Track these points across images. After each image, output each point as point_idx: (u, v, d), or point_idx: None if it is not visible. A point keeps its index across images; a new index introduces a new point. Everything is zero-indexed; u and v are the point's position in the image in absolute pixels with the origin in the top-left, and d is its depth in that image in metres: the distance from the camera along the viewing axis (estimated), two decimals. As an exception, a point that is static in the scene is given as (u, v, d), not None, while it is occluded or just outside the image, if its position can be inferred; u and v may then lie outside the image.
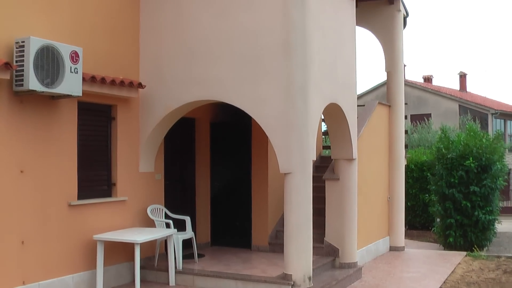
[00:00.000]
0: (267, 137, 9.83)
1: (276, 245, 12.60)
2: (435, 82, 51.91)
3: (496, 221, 17.36)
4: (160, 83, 10.69)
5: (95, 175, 10.22)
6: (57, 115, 9.21)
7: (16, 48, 8.33)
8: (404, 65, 15.81)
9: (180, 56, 10.52)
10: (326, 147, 16.71)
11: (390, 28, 15.07)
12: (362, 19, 14.51)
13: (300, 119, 9.48)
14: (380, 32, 15.20)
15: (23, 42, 8.28)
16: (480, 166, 16.51)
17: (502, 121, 46.14)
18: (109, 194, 10.38)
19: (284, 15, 9.59)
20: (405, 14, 15.49)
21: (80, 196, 9.64)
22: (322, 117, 13.14)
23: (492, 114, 44.29)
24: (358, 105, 12.39)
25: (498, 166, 16.84)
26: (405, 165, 15.62)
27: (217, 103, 11.00)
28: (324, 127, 15.23)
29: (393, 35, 15.03)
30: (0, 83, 8.25)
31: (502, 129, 44.65)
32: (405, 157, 15.64)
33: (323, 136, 16.42)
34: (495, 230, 17.42)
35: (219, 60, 10.14)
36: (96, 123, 10.27)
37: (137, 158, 10.80)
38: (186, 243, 11.23)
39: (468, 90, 52.67)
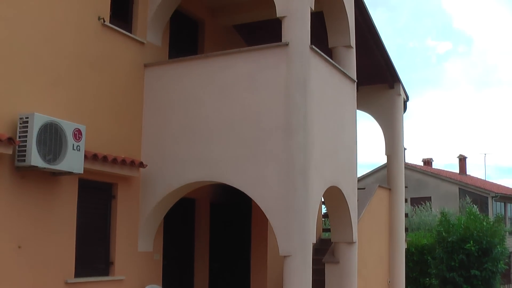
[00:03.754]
0: (267, 218, 9.78)
1: (274, 328, 12.39)
2: (435, 165, 52.03)
3: (498, 305, 17.14)
4: (161, 162, 10.71)
5: (93, 253, 10.11)
6: (57, 192, 9.19)
7: (20, 123, 8.41)
8: (404, 149, 15.91)
9: (182, 136, 10.57)
10: (326, 230, 16.65)
11: (390, 112, 15.26)
12: (362, 102, 14.69)
13: (300, 201, 9.45)
14: (380, 116, 15.39)
15: (27, 118, 8.37)
16: (481, 250, 16.41)
17: (502, 204, 46.00)
18: (106, 273, 10.24)
19: (286, 97, 9.70)
20: (405, 98, 15.71)
21: (77, 274, 9.51)
22: (322, 200, 13.13)
23: (492, 197, 44.18)
24: (358, 188, 12.40)
25: (499, 249, 16.76)
26: (405, 248, 15.52)
27: (217, 183, 10.99)
28: (324, 209, 15.20)
29: (393, 119, 15.20)
30: (2, 158, 8.28)
31: (503, 212, 44.42)
32: (405, 240, 15.55)
33: (323, 219, 16.36)
34: (497, 314, 17.18)
35: (220, 140, 10.19)
36: (96, 201, 10.24)
37: (136, 237, 10.70)
38: (183, 325, 11.04)
39: (468, 173, 52.75)
